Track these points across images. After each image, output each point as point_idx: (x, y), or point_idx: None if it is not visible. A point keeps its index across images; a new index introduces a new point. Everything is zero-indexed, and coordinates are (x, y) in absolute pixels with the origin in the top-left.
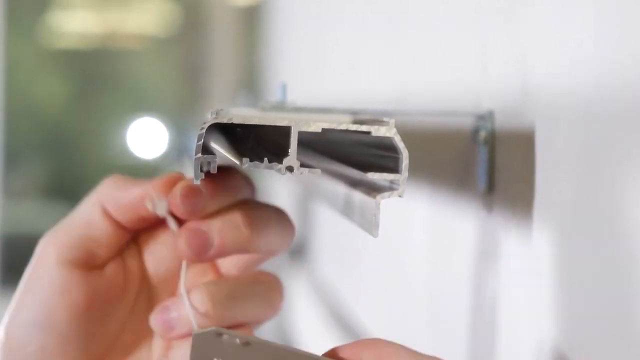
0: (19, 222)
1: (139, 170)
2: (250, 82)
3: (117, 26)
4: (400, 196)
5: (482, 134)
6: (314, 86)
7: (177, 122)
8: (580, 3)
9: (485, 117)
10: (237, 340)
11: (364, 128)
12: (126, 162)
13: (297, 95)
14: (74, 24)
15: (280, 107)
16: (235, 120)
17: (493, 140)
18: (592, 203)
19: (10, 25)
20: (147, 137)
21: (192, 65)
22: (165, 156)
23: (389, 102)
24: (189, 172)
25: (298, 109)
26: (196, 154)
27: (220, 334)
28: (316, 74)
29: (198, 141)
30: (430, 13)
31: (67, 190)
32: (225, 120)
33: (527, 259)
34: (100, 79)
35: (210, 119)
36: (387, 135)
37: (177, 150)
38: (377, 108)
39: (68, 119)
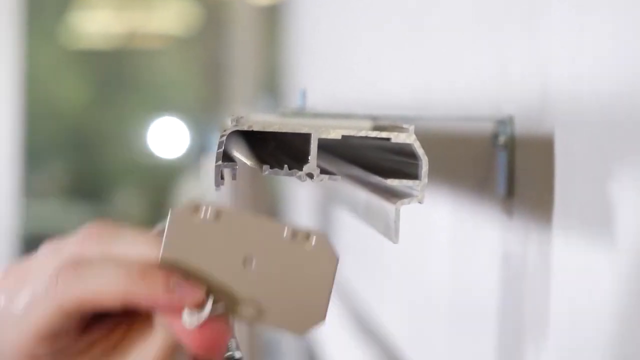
0: (40, 222)
1: (160, 170)
2: (271, 81)
3: (138, 26)
4: (420, 202)
5: (502, 139)
6: (334, 86)
7: (198, 121)
8: (599, 10)
9: (505, 122)
10: (209, 213)
11: (383, 135)
12: (147, 161)
13: (317, 94)
14: (94, 24)
15: (300, 112)
16: (255, 128)
17: (513, 145)
18: (610, 207)
19: (31, 25)
20: (168, 137)
21: (213, 65)
22: (186, 156)
23: (409, 107)
24: (209, 174)
25: (318, 115)
26: (217, 161)
27: (197, 207)
28: (336, 74)
29: (218, 149)
30: (451, 19)
31: (88, 190)
32: (245, 128)
33: (546, 263)
34: (121, 79)
35: (230, 126)
36: (407, 141)
37: (197, 150)
38: (397, 113)
39: (89, 119)
